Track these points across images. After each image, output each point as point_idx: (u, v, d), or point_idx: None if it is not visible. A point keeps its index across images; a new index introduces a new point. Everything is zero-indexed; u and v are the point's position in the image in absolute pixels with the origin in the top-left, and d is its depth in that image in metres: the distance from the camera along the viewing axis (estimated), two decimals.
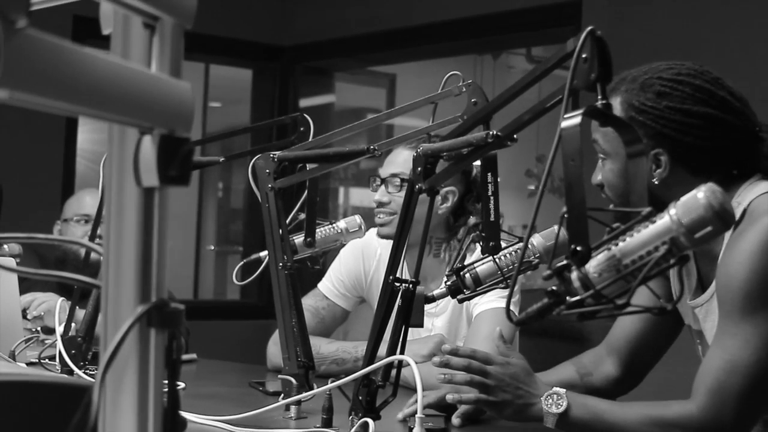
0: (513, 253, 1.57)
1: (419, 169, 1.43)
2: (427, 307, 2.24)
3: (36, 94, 0.55)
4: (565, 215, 1.02)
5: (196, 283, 6.59)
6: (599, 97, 1.08)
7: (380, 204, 2.20)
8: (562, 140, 1.03)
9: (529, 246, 1.56)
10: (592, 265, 1.04)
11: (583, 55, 1.08)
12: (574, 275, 1.04)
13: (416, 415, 1.27)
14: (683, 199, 1.01)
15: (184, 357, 2.44)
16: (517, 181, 7.24)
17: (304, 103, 5.20)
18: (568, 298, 1.05)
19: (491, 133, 1.27)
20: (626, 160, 1.12)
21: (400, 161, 2.20)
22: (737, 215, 1.49)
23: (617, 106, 1.53)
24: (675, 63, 1.56)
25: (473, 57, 6.72)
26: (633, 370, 1.78)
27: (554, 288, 1.05)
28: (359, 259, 2.36)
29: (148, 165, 0.71)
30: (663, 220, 1.01)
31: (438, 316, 2.24)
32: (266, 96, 5.12)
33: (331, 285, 2.39)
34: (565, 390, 1.52)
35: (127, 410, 0.68)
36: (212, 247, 6.96)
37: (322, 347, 2.19)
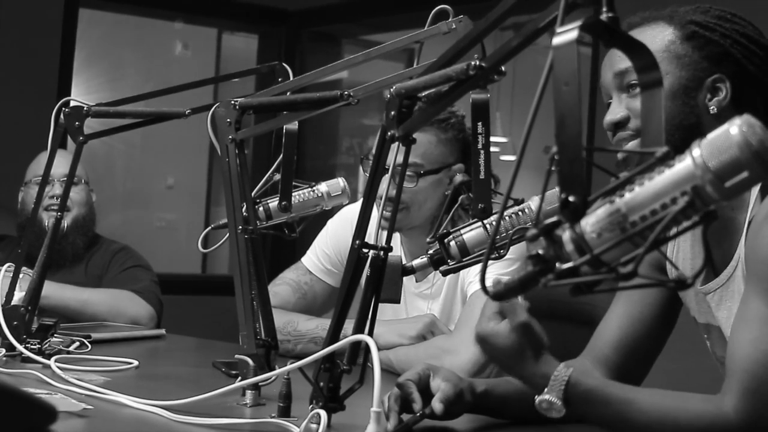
0: (509, 217, 1.35)
1: (392, 113, 1.19)
2: (421, 288, 2.00)
3: None
4: (555, 156, 0.78)
5: (204, 257, 6.40)
6: (604, 9, 0.84)
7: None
8: (554, 61, 0.80)
9: (526, 210, 1.32)
10: (590, 223, 0.80)
11: None
12: (567, 236, 0.81)
13: (371, 409, 1.03)
14: (710, 136, 0.77)
15: (150, 333, 2.23)
16: (535, 158, 6.95)
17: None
18: (558, 264, 0.81)
19: (473, 63, 1.03)
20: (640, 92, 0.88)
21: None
22: None
23: (665, 29, 1.30)
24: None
25: (495, 30, 6.45)
26: (628, 379, 1.41)
27: (540, 252, 0.81)
28: (347, 232, 2.11)
29: None
30: (683, 164, 0.77)
31: (435, 299, 1.98)
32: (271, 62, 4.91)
33: (316, 259, 2.15)
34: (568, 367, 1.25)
35: None
36: (221, 222, 6.75)
37: (300, 324, 1.96)
